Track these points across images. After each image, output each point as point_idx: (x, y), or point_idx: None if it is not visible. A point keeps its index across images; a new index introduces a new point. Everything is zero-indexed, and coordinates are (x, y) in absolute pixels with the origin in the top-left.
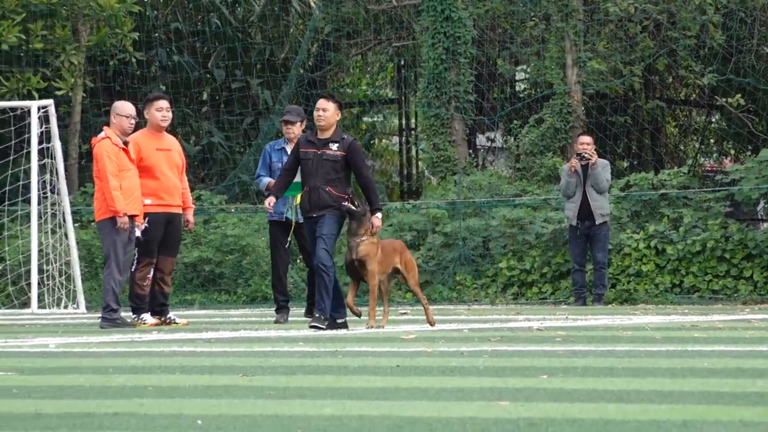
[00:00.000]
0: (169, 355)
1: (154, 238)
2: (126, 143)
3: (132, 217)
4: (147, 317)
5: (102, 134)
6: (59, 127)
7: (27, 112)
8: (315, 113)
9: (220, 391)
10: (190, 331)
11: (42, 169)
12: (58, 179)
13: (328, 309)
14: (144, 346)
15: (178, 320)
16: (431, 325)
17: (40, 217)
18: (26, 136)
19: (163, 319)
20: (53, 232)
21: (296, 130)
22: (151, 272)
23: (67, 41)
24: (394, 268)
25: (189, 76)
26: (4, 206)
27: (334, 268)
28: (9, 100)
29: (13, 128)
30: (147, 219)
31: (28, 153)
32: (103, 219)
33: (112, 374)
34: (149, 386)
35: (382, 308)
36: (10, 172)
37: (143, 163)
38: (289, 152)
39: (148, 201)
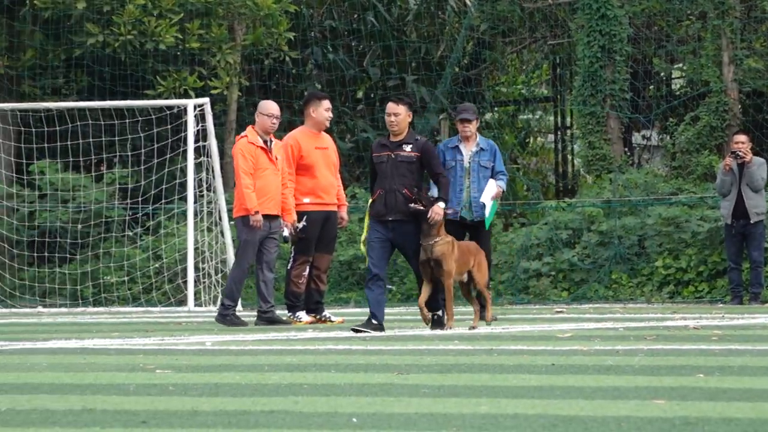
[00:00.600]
0: (325, 353)
1: (311, 237)
2: (266, 142)
3: (274, 217)
4: (302, 315)
5: (244, 132)
6: (215, 125)
7: (183, 111)
8: (387, 119)
9: (375, 389)
10: (346, 329)
11: (198, 167)
12: (214, 177)
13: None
14: (299, 344)
15: (333, 318)
16: (486, 322)
17: (196, 215)
18: (183, 134)
19: (318, 317)
20: (209, 230)
21: (472, 127)
22: (307, 270)
23: (223, 40)
24: (468, 270)
25: (344, 75)
26: (161, 204)
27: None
28: (166, 98)
29: (169, 126)
30: (306, 217)
31: (185, 151)
32: (238, 216)
33: (268, 372)
34: (304, 384)
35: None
36: (166, 170)
37: (303, 161)
38: (462, 150)
39: (306, 200)
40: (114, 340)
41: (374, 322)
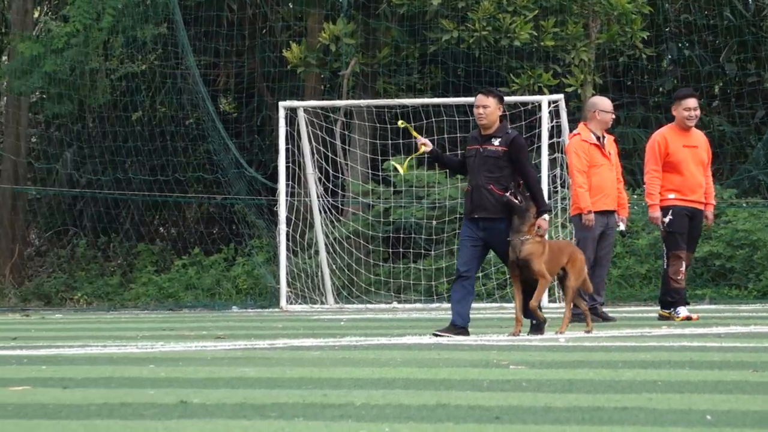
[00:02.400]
0: (679, 350)
1: (678, 231)
2: (599, 138)
3: (611, 212)
4: (682, 310)
5: (575, 130)
6: (569, 122)
7: (537, 107)
8: (475, 110)
9: (730, 386)
10: (700, 325)
11: (552, 163)
12: (567, 173)
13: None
14: (653, 340)
15: (691, 316)
16: (560, 332)
17: (550, 211)
18: (537, 130)
19: (670, 312)
20: (563, 226)
21: None
22: (683, 266)
23: (578, 38)
24: (562, 269)
25: (699, 71)
26: None
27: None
28: (520, 95)
29: (524, 123)
30: (671, 211)
31: (539, 147)
32: (575, 214)
33: (621, 368)
34: (658, 381)
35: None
36: None
37: (669, 158)
38: None
39: (671, 195)
40: (468, 335)
41: (456, 325)
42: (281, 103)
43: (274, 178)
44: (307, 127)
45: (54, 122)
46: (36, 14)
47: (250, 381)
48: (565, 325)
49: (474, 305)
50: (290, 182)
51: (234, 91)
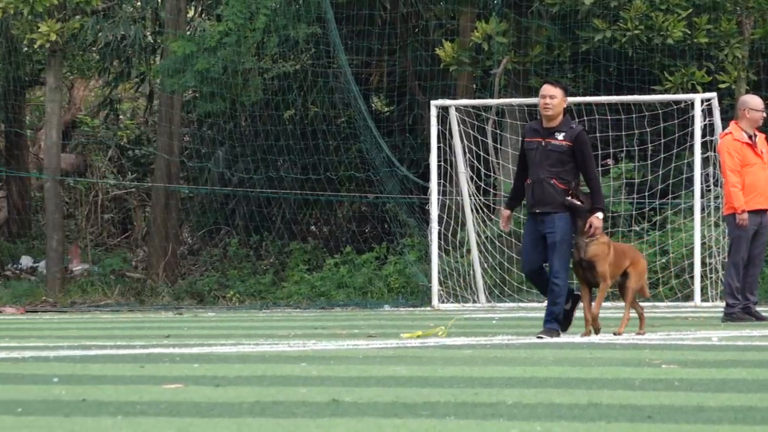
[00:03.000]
0: None
1: None
2: (751, 137)
3: (764, 211)
4: None
5: (727, 129)
6: (722, 120)
7: (690, 105)
8: (541, 101)
9: None
10: None
11: (705, 162)
12: (721, 172)
13: (560, 323)
14: None
15: None
16: (641, 333)
17: (703, 210)
18: (689, 129)
19: None
20: (716, 225)
21: None
22: None
23: (731, 34)
24: (624, 272)
25: None
26: (668, 199)
27: (567, 281)
28: (673, 94)
29: (676, 121)
30: None
31: (692, 146)
32: (728, 214)
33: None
34: None
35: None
36: (673, 164)
37: None
38: None
39: None
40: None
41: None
42: (433, 102)
43: (426, 176)
44: (458, 125)
45: (206, 121)
46: (190, 13)
47: (402, 380)
48: (623, 326)
49: (616, 304)
50: (442, 181)
51: (386, 89)
